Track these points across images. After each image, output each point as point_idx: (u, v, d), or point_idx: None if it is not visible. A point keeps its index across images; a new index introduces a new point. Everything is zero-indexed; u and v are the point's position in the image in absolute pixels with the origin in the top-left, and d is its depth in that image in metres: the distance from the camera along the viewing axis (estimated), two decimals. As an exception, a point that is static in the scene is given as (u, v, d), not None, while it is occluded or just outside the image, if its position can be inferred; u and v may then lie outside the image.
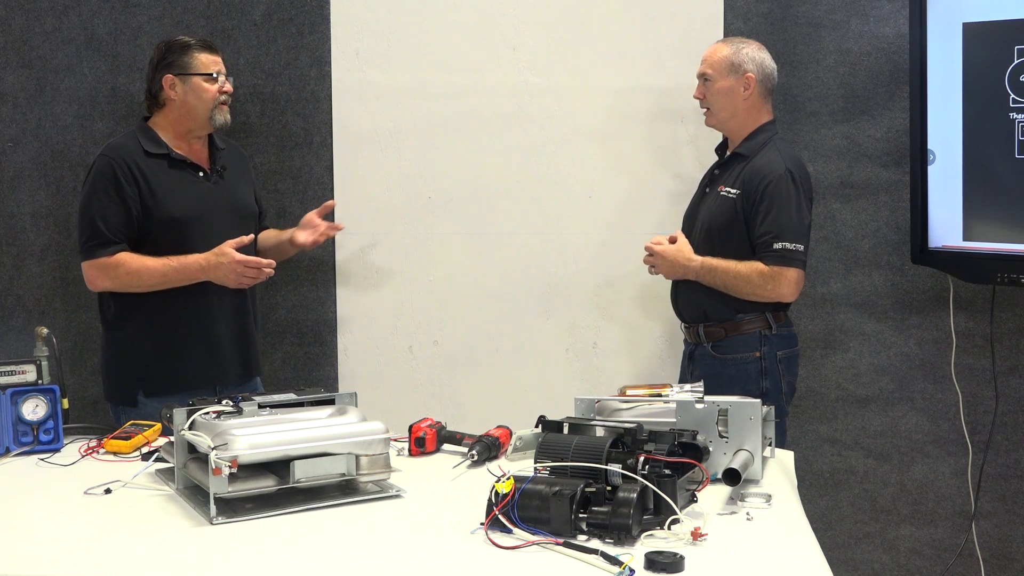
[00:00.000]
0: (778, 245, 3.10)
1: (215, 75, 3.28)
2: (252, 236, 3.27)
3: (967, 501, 3.73)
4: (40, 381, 2.70)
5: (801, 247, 3.13)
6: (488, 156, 3.87)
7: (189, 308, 3.24)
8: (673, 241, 3.28)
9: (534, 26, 3.83)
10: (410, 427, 2.63)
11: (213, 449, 2.07)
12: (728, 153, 3.35)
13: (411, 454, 2.60)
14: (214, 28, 3.88)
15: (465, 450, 2.53)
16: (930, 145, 3.44)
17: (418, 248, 3.90)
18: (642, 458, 1.99)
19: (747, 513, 2.09)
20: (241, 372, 3.36)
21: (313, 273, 3.92)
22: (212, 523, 2.04)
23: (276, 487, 2.14)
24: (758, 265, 3.12)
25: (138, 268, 3.16)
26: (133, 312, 3.24)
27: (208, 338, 3.27)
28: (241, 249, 3.19)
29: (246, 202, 3.42)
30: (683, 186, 3.73)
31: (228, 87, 3.31)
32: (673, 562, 1.76)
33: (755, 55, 3.27)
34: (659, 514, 1.93)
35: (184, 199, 3.24)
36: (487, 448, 2.51)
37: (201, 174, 3.31)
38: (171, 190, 3.23)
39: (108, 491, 2.28)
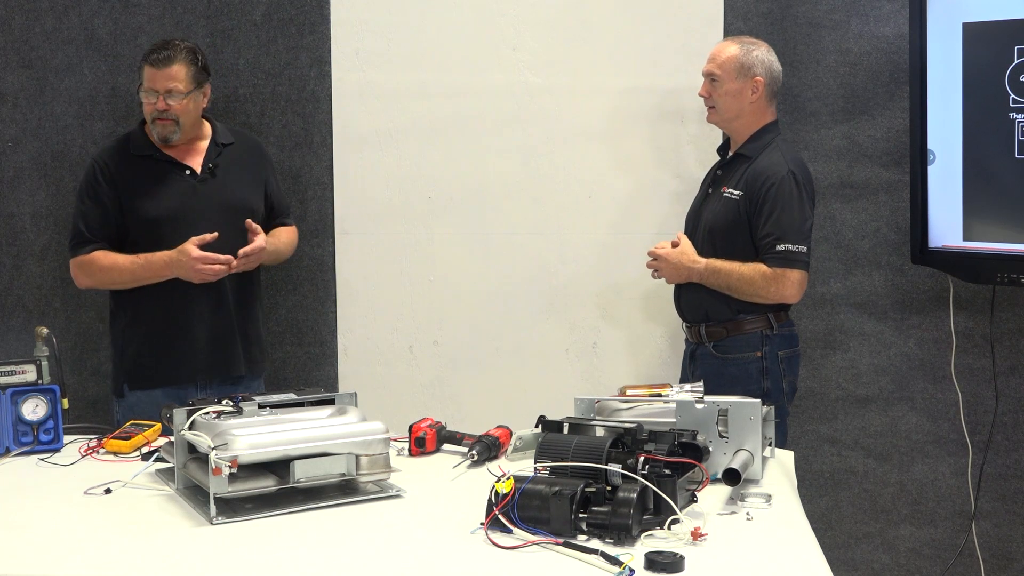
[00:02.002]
0: (781, 247, 3.10)
1: (149, 92, 3.28)
2: (215, 234, 3.25)
3: (967, 501, 3.73)
4: (40, 381, 2.70)
5: (804, 248, 3.13)
6: (488, 156, 3.87)
7: (171, 306, 3.30)
8: (675, 245, 3.28)
9: (534, 26, 3.82)
10: (410, 427, 2.63)
11: (213, 449, 2.07)
12: (731, 154, 3.34)
13: (411, 454, 2.60)
14: (214, 28, 3.88)
15: (465, 450, 2.53)
16: (930, 145, 3.44)
17: (418, 248, 3.90)
18: (642, 458, 1.99)
19: (747, 513, 2.09)
20: (223, 370, 3.37)
21: (313, 273, 3.93)
22: (212, 523, 2.04)
23: (276, 487, 2.14)
24: (761, 267, 3.13)
25: (109, 265, 3.30)
26: (124, 308, 3.37)
27: (186, 336, 3.31)
28: (219, 245, 3.22)
29: (240, 199, 3.40)
30: (684, 186, 3.73)
31: (160, 105, 3.27)
32: (673, 562, 1.76)
33: (764, 58, 3.26)
34: (659, 514, 1.93)
35: (162, 199, 3.31)
36: (487, 448, 2.51)
37: (188, 172, 3.34)
38: (149, 190, 3.31)
39: (108, 491, 2.28)
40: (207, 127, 3.46)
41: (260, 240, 3.33)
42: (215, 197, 3.35)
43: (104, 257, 3.31)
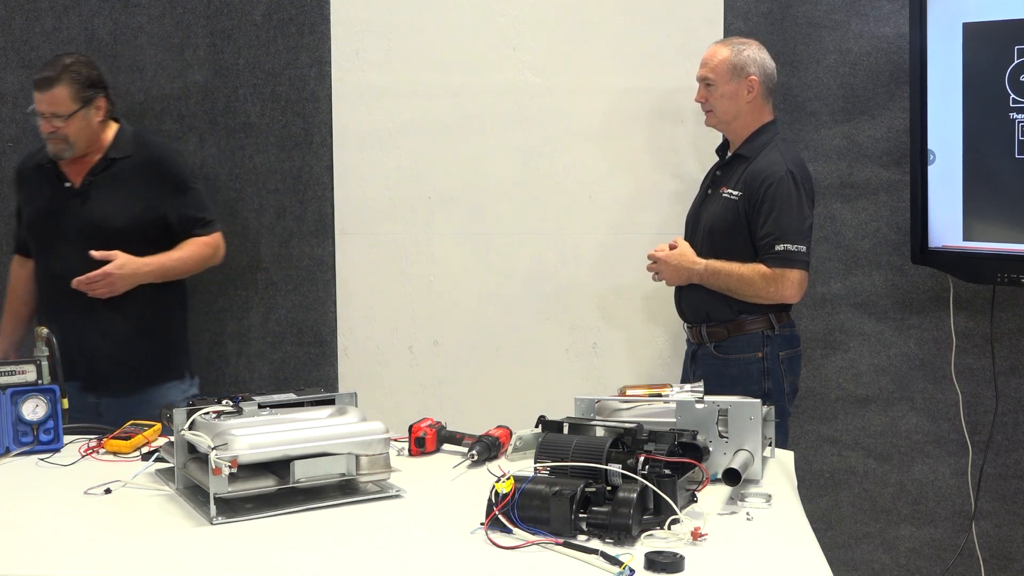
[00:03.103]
0: (780, 247, 3.10)
1: (37, 113, 3.34)
2: None
3: (967, 501, 3.73)
4: (40, 381, 2.70)
5: (803, 248, 3.12)
6: (488, 156, 3.87)
7: (71, 317, 3.34)
8: (674, 247, 3.28)
9: (534, 26, 3.82)
10: (410, 427, 2.63)
11: (213, 449, 2.07)
12: (729, 154, 3.34)
13: (411, 454, 2.60)
14: (214, 28, 3.88)
15: (465, 450, 2.53)
16: (930, 145, 3.44)
17: (418, 248, 3.90)
18: (642, 458, 1.99)
19: (747, 513, 2.08)
20: (126, 380, 3.40)
21: (313, 273, 3.92)
22: (212, 523, 2.04)
23: (276, 487, 2.14)
24: (761, 267, 3.12)
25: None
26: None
27: (84, 345, 3.34)
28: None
29: (104, 218, 3.38)
30: (683, 186, 3.73)
31: (44, 127, 3.32)
32: (673, 562, 1.76)
33: (756, 56, 3.27)
34: (659, 514, 1.93)
35: (38, 210, 3.44)
36: (487, 448, 2.51)
37: (67, 184, 3.39)
38: (34, 199, 3.47)
39: (108, 491, 2.28)
40: (108, 137, 3.44)
41: (103, 269, 3.28)
42: (81, 214, 3.38)
43: (10, 270, 3.64)
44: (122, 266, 3.29)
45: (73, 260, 3.30)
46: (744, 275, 3.14)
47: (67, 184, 3.40)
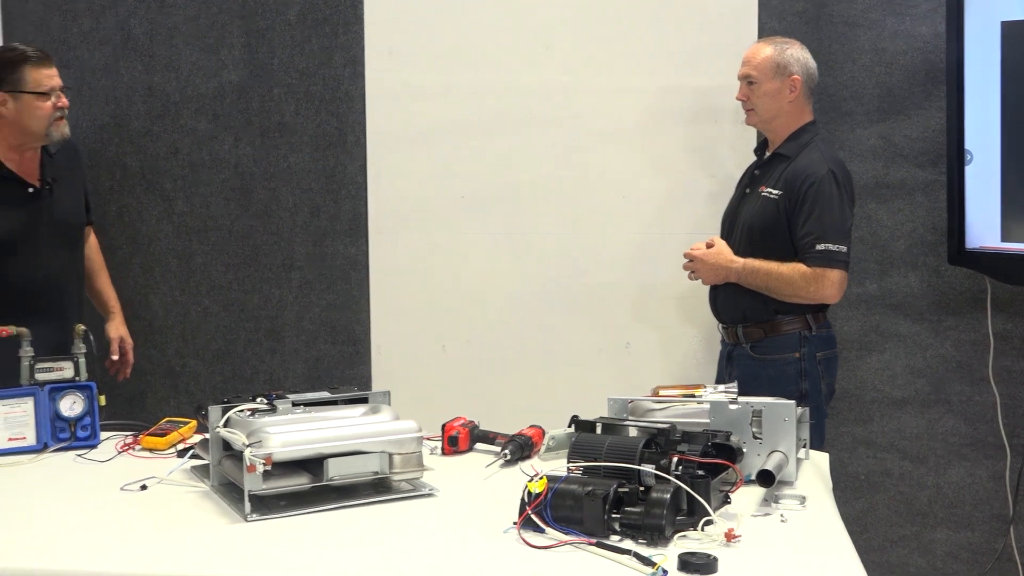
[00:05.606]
0: (821, 246, 3.08)
1: (48, 92, 3.16)
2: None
3: (1005, 505, 3.69)
4: (77, 378, 2.73)
5: (844, 248, 3.10)
6: (522, 156, 3.87)
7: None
8: (711, 246, 3.26)
9: (567, 25, 3.82)
10: (443, 426, 2.64)
11: (248, 446, 2.08)
12: (769, 153, 3.32)
13: (444, 453, 2.60)
14: (249, 28, 3.91)
15: (498, 449, 2.53)
16: (967, 145, 3.40)
17: (451, 247, 3.91)
18: (675, 459, 1.99)
19: (781, 515, 2.07)
20: None
21: (347, 272, 3.94)
22: (247, 520, 2.05)
23: (310, 485, 2.15)
24: (800, 266, 3.10)
25: None
26: None
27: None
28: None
29: (73, 216, 3.34)
30: (719, 186, 3.72)
31: (63, 102, 3.19)
32: (706, 563, 1.76)
33: (799, 56, 3.25)
34: (692, 515, 1.92)
35: (7, 218, 3.15)
36: (520, 448, 2.51)
37: (31, 190, 3.20)
38: None
39: (144, 487, 2.30)
40: None
41: (127, 349, 3.53)
42: (53, 215, 3.24)
43: None
44: (124, 331, 3.54)
45: (48, 262, 3.21)
46: (784, 274, 3.12)
47: (30, 189, 3.19)
